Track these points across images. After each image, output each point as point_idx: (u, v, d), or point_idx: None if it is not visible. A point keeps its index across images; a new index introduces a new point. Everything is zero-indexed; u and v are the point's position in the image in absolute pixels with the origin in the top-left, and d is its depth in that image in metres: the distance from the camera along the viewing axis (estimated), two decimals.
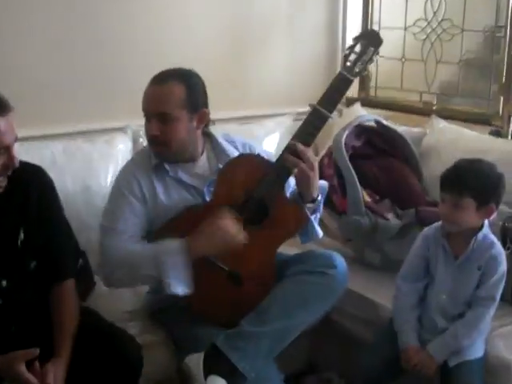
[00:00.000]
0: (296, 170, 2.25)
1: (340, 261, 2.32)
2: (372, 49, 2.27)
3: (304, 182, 2.27)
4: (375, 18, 3.88)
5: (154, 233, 2.29)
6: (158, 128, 2.28)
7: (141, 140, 3.01)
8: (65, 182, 2.72)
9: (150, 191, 2.32)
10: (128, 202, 2.29)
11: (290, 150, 2.24)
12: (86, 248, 2.55)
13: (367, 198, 2.91)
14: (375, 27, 3.86)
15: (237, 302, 2.27)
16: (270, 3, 3.66)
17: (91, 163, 2.87)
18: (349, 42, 3.87)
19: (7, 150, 1.87)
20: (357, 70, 2.28)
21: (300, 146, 2.22)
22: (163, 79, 2.30)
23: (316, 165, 2.26)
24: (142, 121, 2.69)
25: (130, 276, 2.24)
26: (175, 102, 2.28)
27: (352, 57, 2.28)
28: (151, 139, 2.33)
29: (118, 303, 2.58)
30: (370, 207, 2.87)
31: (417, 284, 2.37)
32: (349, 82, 2.28)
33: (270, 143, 3.43)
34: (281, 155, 2.27)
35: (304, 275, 2.27)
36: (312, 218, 2.35)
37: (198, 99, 2.34)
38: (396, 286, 2.41)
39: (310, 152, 2.24)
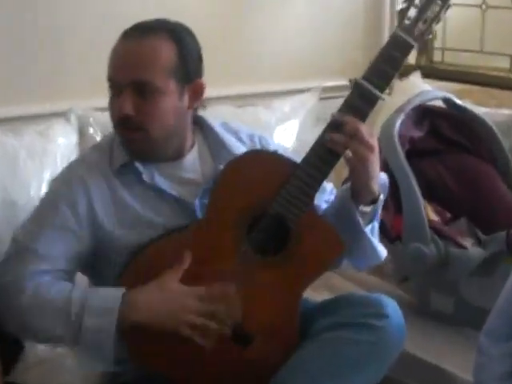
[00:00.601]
0: (346, 156, 2.23)
1: (393, 308, 2.32)
2: (440, 2, 2.27)
3: (360, 170, 2.25)
4: None
5: (119, 276, 2.27)
6: (132, 104, 2.26)
7: (91, 130, 3.06)
8: None
9: (105, 206, 2.32)
10: (62, 216, 2.29)
11: (333, 126, 2.24)
12: None
13: (433, 216, 2.97)
14: None
15: (243, 371, 2.29)
16: None
17: (16, 165, 2.89)
18: None
19: None
20: (419, 30, 2.28)
21: (350, 120, 2.21)
22: (144, 32, 2.30)
23: (375, 143, 2.25)
24: (93, 101, 2.75)
25: (30, 328, 2.21)
26: (160, 66, 2.27)
27: (411, 11, 2.29)
28: (121, 121, 2.30)
29: (59, 377, 2.61)
30: (438, 230, 2.92)
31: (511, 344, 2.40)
32: (408, 48, 2.28)
33: (285, 134, 3.49)
34: (317, 140, 2.26)
35: (340, 330, 2.28)
36: (368, 228, 2.36)
37: (192, 65, 2.36)
38: (479, 347, 2.38)
39: (364, 126, 2.22)
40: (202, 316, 2.13)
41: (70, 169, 2.43)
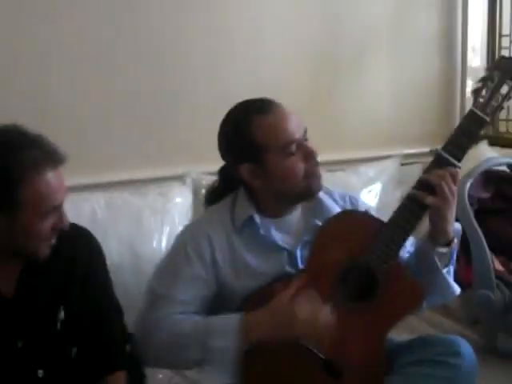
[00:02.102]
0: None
1: (466, 347, 2.30)
2: (511, 82, 2.28)
3: (437, 217, 2.27)
4: (505, 30, 3.97)
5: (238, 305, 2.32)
6: None
7: (203, 192, 3.00)
8: (108, 246, 2.67)
9: (224, 258, 2.35)
10: (192, 265, 2.33)
11: (420, 184, 2.26)
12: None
13: (499, 267, 2.96)
14: (505, 41, 3.94)
15: None
16: (367, 15, 3.78)
17: (141, 221, 2.97)
18: (471, 62, 4.00)
19: (58, 209, 1.99)
20: (492, 107, 2.28)
21: (432, 175, 2.23)
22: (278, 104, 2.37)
23: (452, 195, 2.24)
24: (203, 167, 2.80)
25: (169, 355, 2.27)
26: None
27: (485, 92, 2.29)
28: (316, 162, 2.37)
29: None
30: (504, 278, 2.92)
31: None
32: (482, 123, 2.28)
33: (371, 196, 3.51)
34: (406, 196, 2.29)
35: (419, 366, 2.28)
36: (445, 270, 2.36)
37: None
38: None
39: (446, 178, 2.22)
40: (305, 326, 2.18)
41: (198, 225, 2.48)
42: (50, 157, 1.95)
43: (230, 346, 2.17)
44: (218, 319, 2.24)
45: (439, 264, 2.32)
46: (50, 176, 1.94)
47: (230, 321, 2.20)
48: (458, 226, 2.38)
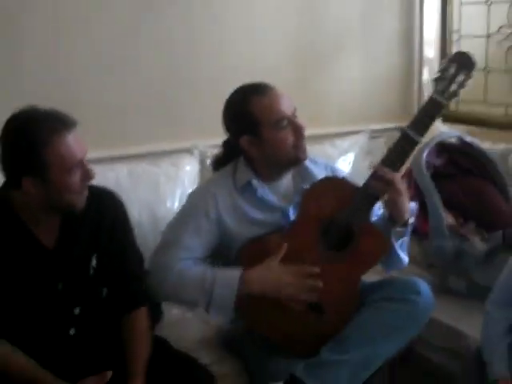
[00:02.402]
0: (384, 196, 2.31)
1: (424, 286, 2.35)
2: (465, 72, 2.30)
3: (393, 207, 2.31)
4: (454, 26, 3.95)
5: (238, 251, 2.35)
6: None
7: (208, 162, 3.05)
8: (130, 207, 2.69)
9: (228, 212, 2.37)
10: (199, 219, 2.36)
11: (375, 177, 2.28)
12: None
13: (451, 221, 2.96)
14: (454, 36, 3.93)
15: (316, 332, 2.33)
16: (342, 16, 3.76)
17: (157, 186, 2.98)
18: (426, 53, 3.99)
19: (81, 164, 2.00)
20: (449, 93, 2.31)
21: (386, 173, 2.26)
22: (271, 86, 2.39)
23: (404, 189, 2.29)
24: (209, 141, 2.80)
25: (176, 295, 2.32)
26: None
27: (443, 80, 2.31)
28: (303, 137, 2.38)
29: (188, 332, 2.66)
30: (454, 230, 2.92)
31: (509, 310, 2.37)
32: (441, 107, 2.31)
33: (345, 164, 3.50)
34: (366, 181, 2.31)
35: (385, 302, 2.31)
36: (398, 243, 2.39)
37: None
38: (485, 312, 2.41)
39: (397, 177, 2.27)
40: (296, 287, 2.23)
41: (205, 187, 2.51)
42: (64, 123, 1.97)
43: (230, 295, 2.22)
44: (222, 272, 2.27)
45: (394, 242, 2.37)
46: (68, 137, 1.95)
47: (231, 275, 2.24)
48: (413, 205, 2.40)
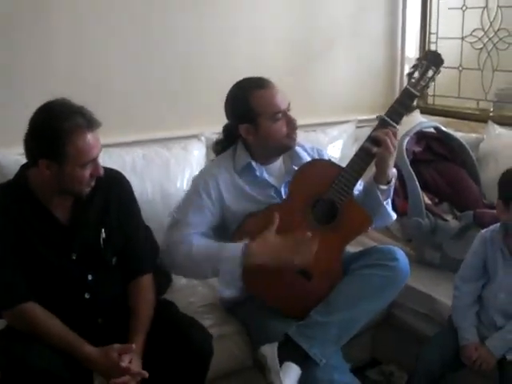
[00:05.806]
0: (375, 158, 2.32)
1: (401, 254, 2.37)
2: (434, 68, 2.35)
3: (382, 164, 2.32)
4: (433, 29, 3.93)
5: (239, 225, 2.37)
6: None
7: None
8: (144, 187, 2.83)
9: (229, 191, 2.39)
10: (201, 199, 2.37)
11: (371, 138, 2.31)
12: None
13: (427, 201, 2.97)
14: (433, 37, 3.92)
15: (306, 296, 2.35)
16: (333, 16, 3.73)
17: (169, 168, 2.97)
18: (408, 52, 3.99)
19: (94, 161, 2.02)
20: (421, 86, 2.36)
21: (381, 133, 2.28)
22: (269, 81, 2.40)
23: (394, 144, 2.30)
24: (214, 128, 2.80)
25: (189, 269, 2.34)
26: None
27: (416, 74, 2.36)
28: (295, 128, 2.40)
29: (194, 297, 2.68)
30: (430, 209, 2.93)
31: (475, 283, 2.41)
32: (414, 97, 2.37)
33: (335, 149, 3.48)
34: (359, 148, 2.33)
35: (366, 269, 2.33)
36: (385, 202, 2.41)
37: None
38: (455, 286, 2.45)
39: (389, 135, 2.28)
40: (292, 252, 2.23)
41: (207, 169, 2.52)
42: (89, 122, 1.97)
43: (235, 267, 2.22)
44: (226, 246, 2.27)
45: (381, 198, 2.37)
46: (89, 137, 1.96)
47: (235, 251, 2.24)
48: (394, 170, 2.41)
